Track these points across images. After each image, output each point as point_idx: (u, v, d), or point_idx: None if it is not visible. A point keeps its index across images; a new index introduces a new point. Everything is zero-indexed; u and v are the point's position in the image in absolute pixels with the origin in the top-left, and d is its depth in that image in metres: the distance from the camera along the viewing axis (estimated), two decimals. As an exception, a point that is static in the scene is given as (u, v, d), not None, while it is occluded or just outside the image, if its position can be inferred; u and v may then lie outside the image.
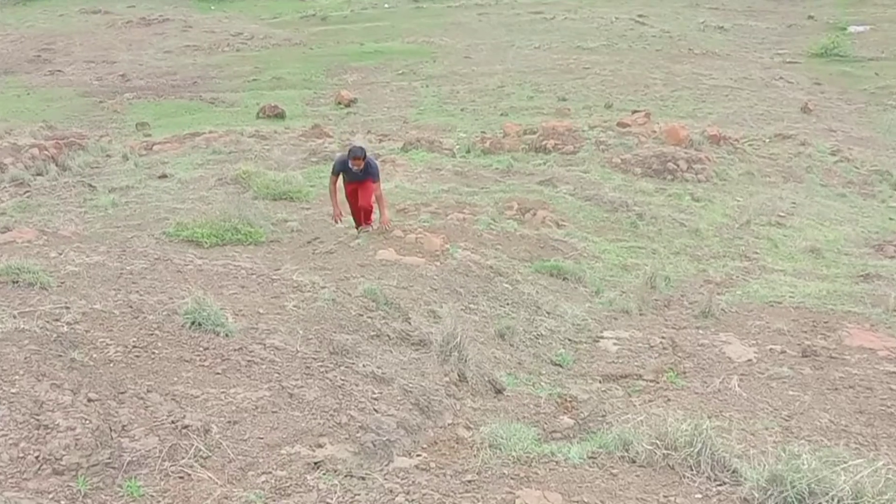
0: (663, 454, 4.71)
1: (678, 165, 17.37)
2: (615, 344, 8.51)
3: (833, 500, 4.13)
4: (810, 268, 12.00)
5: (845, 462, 4.36)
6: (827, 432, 5.97)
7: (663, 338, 8.58)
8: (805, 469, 4.29)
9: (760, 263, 12.08)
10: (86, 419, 4.24)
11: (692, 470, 4.63)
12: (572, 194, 15.15)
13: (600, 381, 7.45)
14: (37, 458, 3.90)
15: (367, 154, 9.94)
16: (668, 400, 6.79)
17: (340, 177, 9.96)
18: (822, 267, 12.10)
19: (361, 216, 10.48)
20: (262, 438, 4.64)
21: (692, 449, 4.71)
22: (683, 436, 4.75)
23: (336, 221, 10.10)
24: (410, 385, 5.97)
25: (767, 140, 21.07)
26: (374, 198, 10.17)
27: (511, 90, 32.51)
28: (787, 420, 6.26)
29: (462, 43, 38.34)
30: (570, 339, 8.58)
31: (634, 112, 23.57)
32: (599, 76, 31.41)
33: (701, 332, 8.83)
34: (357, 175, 9.83)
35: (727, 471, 4.62)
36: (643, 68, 31.48)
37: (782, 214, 15.02)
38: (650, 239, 13.20)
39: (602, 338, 8.73)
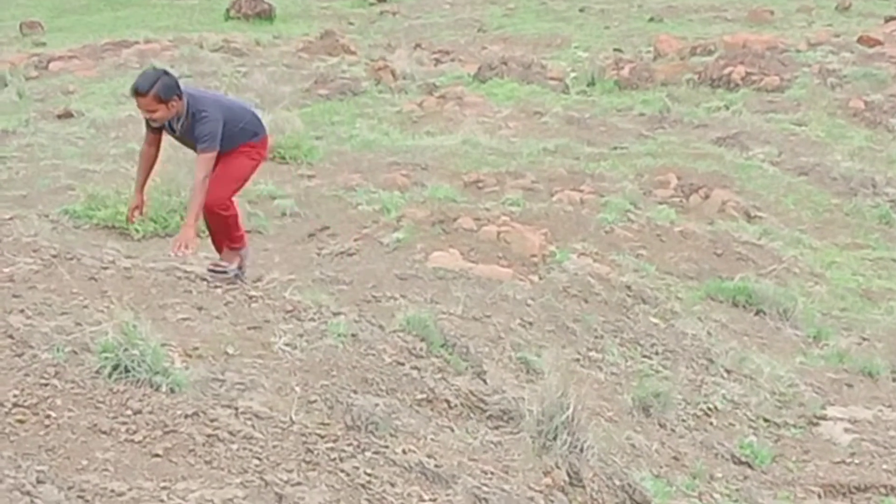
0: None
1: (970, 116, 17.04)
2: (848, 430, 8.39)
3: None
4: None
5: None
6: None
7: (935, 422, 8.45)
8: None
9: None
10: (-65, 525, 4.35)
11: None
12: (775, 163, 14.98)
13: (820, 496, 7.35)
14: None
15: (185, 93, 7.95)
16: (943, 533, 6.67)
17: (163, 136, 8.36)
18: None
19: (215, 232, 8.70)
20: (229, 570, 4.68)
21: None
22: None
23: (127, 220, 8.92)
24: (485, 488, 5.97)
25: None
26: (233, 190, 8.49)
27: (670, -24, 32.31)
28: None
29: None
30: (766, 419, 8.49)
31: (890, 20, 23.21)
32: (829, -47, 31.04)
33: None
34: (184, 140, 8.29)
35: None
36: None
37: None
38: (915, 245, 12.99)
39: (825, 418, 8.61)
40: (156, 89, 7.67)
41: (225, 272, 8.33)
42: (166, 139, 8.33)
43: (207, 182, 7.92)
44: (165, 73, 7.90)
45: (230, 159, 8.20)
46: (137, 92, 7.73)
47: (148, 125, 8.13)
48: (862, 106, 17.45)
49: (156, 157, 8.33)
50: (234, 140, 8.13)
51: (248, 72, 19.82)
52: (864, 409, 8.76)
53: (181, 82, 8.00)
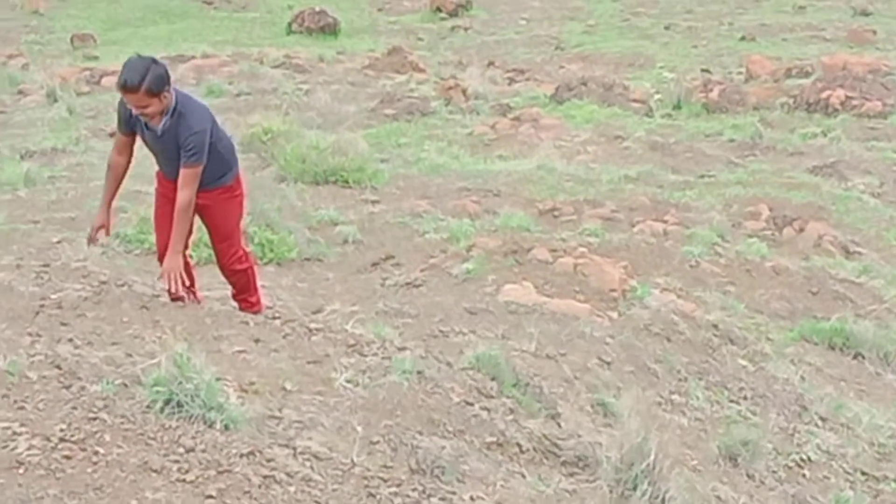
0: None
1: None
2: (956, 487, 8.29)
3: None
4: None
5: None
6: None
7: None
8: None
9: None
10: (-25, 565, 4.41)
11: None
12: (877, 194, 14.85)
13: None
14: None
15: (175, 85, 7.54)
16: None
17: (136, 140, 7.87)
18: None
19: (239, 290, 8.52)
20: None
21: None
22: None
23: (88, 241, 8.20)
24: (558, 540, 5.97)
25: None
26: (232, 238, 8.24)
27: (763, -7, 32.22)
28: None
29: None
30: (864, 473, 8.40)
31: None
32: (936, -31, 30.84)
33: None
34: (164, 145, 7.72)
35: None
36: None
37: None
38: None
39: (930, 474, 8.50)
40: (147, 83, 7.21)
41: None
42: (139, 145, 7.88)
43: (193, 203, 7.64)
44: (154, 61, 7.38)
45: (212, 214, 8.01)
46: (126, 87, 7.26)
47: (121, 126, 7.72)
48: (973, 135, 17.33)
49: (126, 167, 7.86)
50: (207, 166, 7.66)
51: (311, 89, 19.97)
52: (974, 464, 8.66)
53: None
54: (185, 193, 7.58)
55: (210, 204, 7.89)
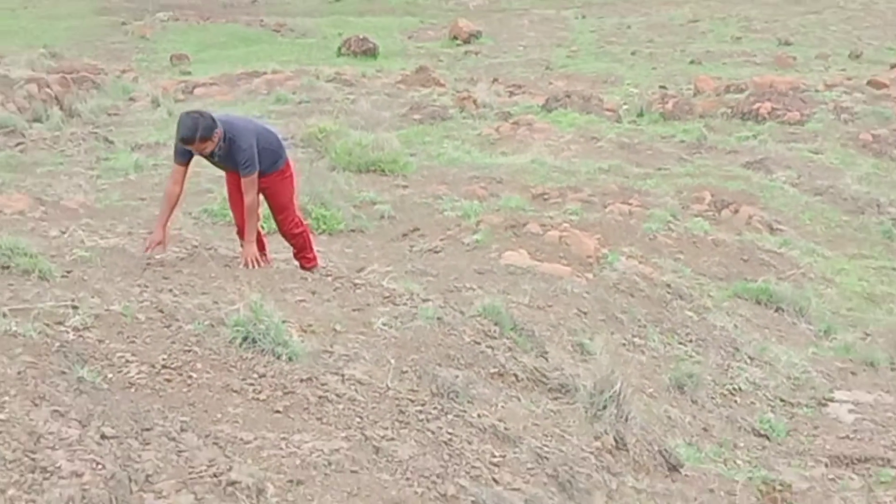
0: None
1: (961, 149, 16.79)
2: (852, 411, 8.31)
3: None
4: None
5: None
6: None
7: (927, 406, 8.33)
8: None
9: None
10: (97, 462, 4.42)
11: None
12: (795, 184, 14.83)
13: (827, 465, 7.27)
14: (31, 510, 4.08)
15: (218, 120, 7.53)
16: (932, 500, 6.58)
17: (189, 167, 7.80)
18: None
19: (299, 250, 8.49)
20: (334, 508, 4.73)
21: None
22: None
23: (147, 248, 7.74)
24: (545, 448, 5.99)
25: None
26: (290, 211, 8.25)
27: (708, 27, 32.19)
28: None
29: (639, -47, 38.12)
30: (782, 399, 8.43)
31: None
32: (844, 10, 30.71)
33: None
34: (224, 164, 7.88)
35: None
36: (913, 0, 30.58)
37: None
38: (912, 257, 12.81)
39: (832, 400, 8.54)
40: (199, 134, 7.37)
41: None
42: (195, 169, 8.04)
43: (256, 202, 7.83)
44: (200, 114, 7.55)
45: (271, 192, 8.07)
46: (185, 141, 7.44)
47: (178, 157, 7.70)
48: (870, 138, 17.25)
49: (180, 194, 7.81)
50: (261, 161, 7.76)
51: (356, 99, 19.96)
52: (866, 393, 8.69)
53: (214, 112, 7.80)
54: (249, 198, 7.78)
55: (269, 185, 8.00)
